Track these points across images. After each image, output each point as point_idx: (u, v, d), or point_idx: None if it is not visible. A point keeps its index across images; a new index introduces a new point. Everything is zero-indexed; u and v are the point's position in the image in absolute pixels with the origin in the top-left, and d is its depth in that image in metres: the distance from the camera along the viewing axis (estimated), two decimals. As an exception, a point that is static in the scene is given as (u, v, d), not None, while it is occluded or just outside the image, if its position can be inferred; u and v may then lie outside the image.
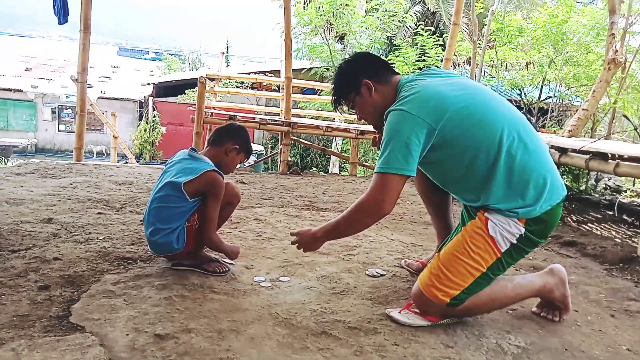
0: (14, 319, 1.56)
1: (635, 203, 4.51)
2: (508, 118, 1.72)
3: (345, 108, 1.97)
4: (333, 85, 1.96)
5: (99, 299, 1.75)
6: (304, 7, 12.96)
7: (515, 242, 1.66)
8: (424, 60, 11.65)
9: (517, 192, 1.64)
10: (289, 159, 6.50)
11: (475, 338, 1.64)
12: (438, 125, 1.64)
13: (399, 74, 1.92)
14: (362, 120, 2.02)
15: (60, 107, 19.72)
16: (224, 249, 2.11)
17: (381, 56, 2.03)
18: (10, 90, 18.96)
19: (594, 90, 5.44)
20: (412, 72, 11.39)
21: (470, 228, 1.69)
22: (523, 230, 1.66)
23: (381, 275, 2.22)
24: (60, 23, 6.35)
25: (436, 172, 1.86)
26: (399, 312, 1.73)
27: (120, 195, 3.64)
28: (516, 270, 2.40)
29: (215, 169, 2.05)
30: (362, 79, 1.85)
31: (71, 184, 3.88)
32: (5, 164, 8.42)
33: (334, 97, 1.95)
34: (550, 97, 10.80)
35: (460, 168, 1.70)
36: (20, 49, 25.02)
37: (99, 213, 3.01)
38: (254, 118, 6.64)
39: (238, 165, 2.31)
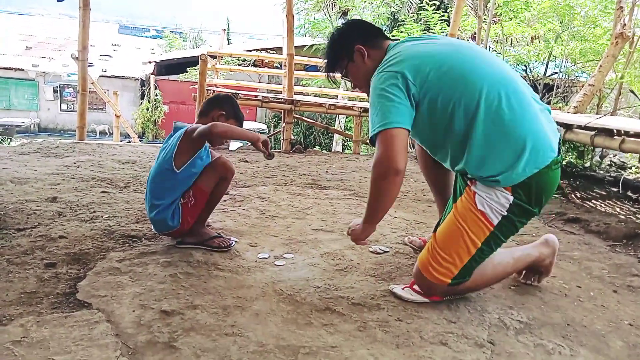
0: (22, 295, 1.58)
1: (639, 179, 4.49)
2: (493, 76, 1.64)
3: (338, 76, 1.94)
4: (326, 52, 1.92)
5: (104, 276, 1.77)
6: (306, -18, 12.73)
7: (505, 213, 1.61)
8: (428, 36, 11.47)
9: (495, 155, 1.58)
10: (292, 137, 6.47)
11: (478, 313, 1.66)
12: (417, 81, 1.62)
13: (390, 39, 1.88)
14: (356, 88, 1.96)
15: (61, 86, 19.64)
16: (242, 133, 2.04)
17: (385, 32, 1.98)
18: (11, 69, 18.86)
19: (601, 66, 5.36)
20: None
21: (460, 205, 1.67)
22: (512, 198, 1.59)
23: (384, 252, 2.23)
24: (59, 0, 6.27)
25: (422, 136, 1.81)
26: (402, 289, 1.75)
27: (124, 174, 3.65)
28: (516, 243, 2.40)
29: (193, 124, 2.06)
30: (354, 45, 1.82)
31: (75, 163, 3.89)
32: (9, 143, 8.43)
33: (326, 65, 1.92)
34: (556, 72, 10.66)
35: (440, 127, 1.65)
36: (19, 27, 24.79)
37: (103, 192, 3.02)
38: (256, 96, 6.59)
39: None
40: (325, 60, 1.92)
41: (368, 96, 1.91)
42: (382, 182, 1.63)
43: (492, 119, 1.58)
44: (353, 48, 1.82)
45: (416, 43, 1.78)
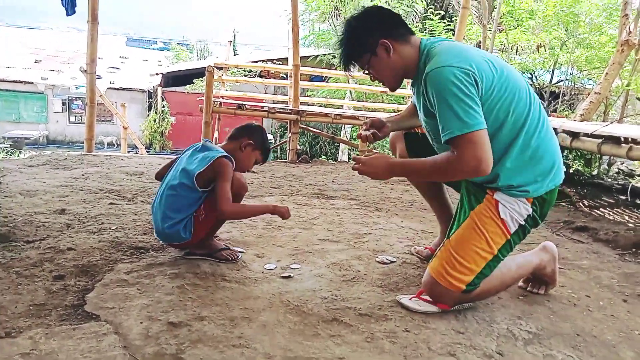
0: (31, 308, 1.59)
1: (648, 187, 4.45)
2: (532, 95, 1.72)
3: (355, 71, 1.87)
4: (342, 45, 1.76)
5: (112, 288, 1.78)
6: (311, -7, 12.84)
7: (523, 222, 1.68)
8: (433, 46, 11.52)
9: (529, 168, 1.65)
10: (298, 147, 6.49)
11: (486, 324, 1.64)
12: (483, 80, 1.57)
13: (414, 32, 1.78)
14: (376, 81, 1.85)
15: (70, 98, 19.85)
16: (256, 210, 2.11)
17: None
18: (20, 82, 19.10)
19: (607, 73, 5.35)
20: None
21: (480, 212, 1.68)
22: (530, 210, 1.67)
23: (391, 262, 2.22)
24: (68, 14, 6.36)
25: None
26: (410, 299, 1.74)
27: (132, 186, 3.67)
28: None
29: (226, 154, 2.05)
30: (379, 39, 1.68)
31: (83, 175, 3.92)
32: (18, 156, 8.51)
33: (344, 58, 1.77)
34: (562, 80, 10.65)
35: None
36: (29, 41, 25.15)
37: (111, 203, 3.04)
38: (263, 107, 6.63)
39: (255, 166, 2.29)
40: (343, 53, 1.76)
41: (391, 90, 1.86)
42: (464, 176, 1.63)
43: (534, 134, 1.65)
44: (377, 41, 1.69)
45: (460, 44, 1.75)
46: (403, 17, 1.95)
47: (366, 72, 1.81)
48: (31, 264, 1.94)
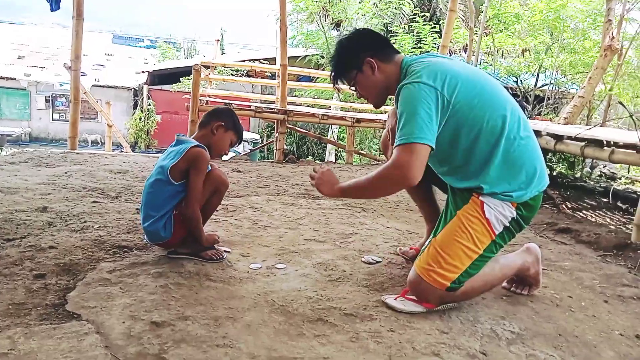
0: (10, 307, 1.56)
1: (629, 190, 4.54)
2: (509, 103, 1.76)
3: (344, 85, 1.93)
4: (333, 62, 1.90)
5: (94, 287, 1.75)
6: (299, -7, 12.83)
7: (507, 224, 1.72)
8: (420, 47, 11.60)
9: (512, 176, 1.70)
10: (285, 147, 6.48)
11: (470, 324, 1.65)
12: (452, 99, 1.65)
13: (399, 52, 1.90)
14: (361, 98, 1.97)
15: (54, 95, 19.54)
16: (200, 233, 2.07)
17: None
18: (3, 78, 18.75)
19: (590, 78, 5.44)
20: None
21: (466, 211, 1.71)
22: (515, 213, 1.72)
23: (377, 262, 2.23)
24: (52, 10, 6.25)
25: (438, 150, 1.80)
26: (395, 299, 1.75)
27: (116, 184, 3.63)
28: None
29: (198, 144, 2.05)
30: (365, 57, 1.81)
31: (66, 173, 3.86)
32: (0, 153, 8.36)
33: (333, 74, 1.90)
34: (547, 84, 10.79)
35: (463, 145, 1.71)
36: (12, 36, 24.69)
37: (94, 202, 3.00)
38: (250, 106, 6.60)
39: (232, 153, 2.29)
40: (333, 70, 1.90)
41: (375, 107, 1.98)
42: (392, 186, 1.70)
43: (512, 144, 1.69)
44: (363, 59, 1.81)
45: (443, 59, 1.79)
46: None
47: (352, 88, 1.92)
48: (11, 263, 1.91)
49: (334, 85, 1.93)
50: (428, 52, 11.10)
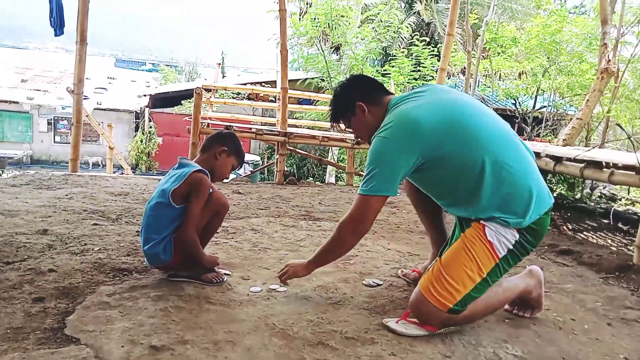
0: (8, 331, 1.55)
1: (630, 211, 4.53)
2: (491, 133, 1.76)
3: (342, 127, 2.07)
4: (331, 106, 2.06)
5: (94, 310, 1.74)
6: (300, 18, 13.06)
7: (511, 247, 1.71)
8: (419, 71, 11.73)
9: (505, 205, 1.70)
10: (285, 169, 6.50)
11: (473, 347, 1.64)
12: (418, 149, 1.72)
13: (392, 93, 2.01)
14: (358, 139, 2.13)
15: (56, 118, 19.68)
16: (200, 255, 2.06)
17: (375, 75, 2.18)
18: (6, 102, 18.92)
19: (588, 100, 5.49)
20: (408, 82, 11.46)
21: (469, 234, 1.72)
22: (517, 236, 1.72)
23: (378, 285, 2.21)
24: (56, 35, 6.37)
25: (426, 188, 1.97)
26: (396, 322, 1.73)
27: (116, 206, 3.63)
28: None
29: (201, 168, 2.06)
30: (356, 102, 1.94)
31: (67, 195, 3.87)
32: (1, 175, 8.38)
33: (331, 117, 2.07)
34: (545, 106, 10.88)
35: (446, 184, 1.80)
36: (16, 60, 25.01)
37: (95, 224, 3.00)
38: (251, 128, 6.65)
39: (232, 175, 2.31)
40: (330, 113, 2.07)
41: (369, 144, 2.04)
42: (347, 237, 1.86)
43: (499, 174, 1.70)
44: (354, 104, 1.95)
45: (416, 103, 1.83)
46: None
47: (348, 129, 2.08)
48: (10, 286, 1.90)
49: (332, 126, 2.10)
50: (424, 78, 11.25)
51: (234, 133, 2.33)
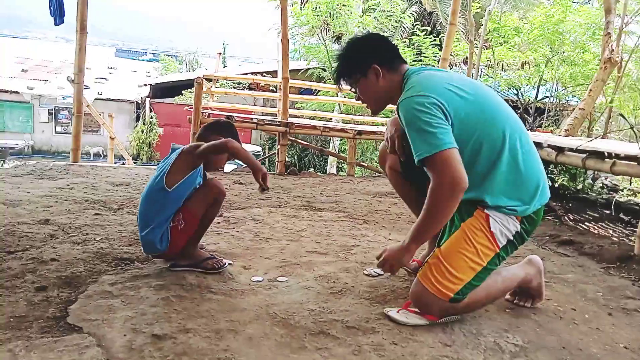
0: (11, 320, 1.56)
1: (632, 202, 4.53)
2: (510, 117, 1.77)
3: (346, 86, 1.93)
4: (339, 60, 1.89)
5: (96, 299, 1.75)
6: (301, 7, 12.95)
7: (511, 238, 1.72)
8: (420, 60, 11.67)
9: (516, 190, 1.70)
10: (287, 159, 6.49)
11: (473, 337, 1.64)
12: (450, 110, 1.65)
13: (406, 62, 1.90)
14: (360, 101, 1.95)
15: (56, 108, 19.67)
16: (252, 161, 2.03)
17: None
18: (6, 92, 18.89)
19: (591, 90, 5.46)
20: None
21: (470, 224, 1.70)
22: (519, 227, 1.72)
23: (379, 274, 2.22)
24: (56, 24, 6.34)
25: None
26: (397, 312, 1.73)
27: (118, 196, 3.63)
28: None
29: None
30: (371, 63, 1.80)
31: (68, 185, 3.87)
32: (2, 165, 8.39)
33: (336, 73, 1.90)
34: (547, 96, 10.83)
35: (465, 159, 1.69)
36: (16, 50, 24.92)
37: (96, 214, 3.00)
38: (251, 119, 6.64)
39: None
40: (338, 69, 1.90)
41: (373, 113, 2.00)
42: (451, 201, 1.61)
43: (515, 158, 1.69)
44: (369, 66, 1.81)
45: (441, 73, 1.81)
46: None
47: (353, 90, 1.92)
48: (13, 275, 1.91)
49: (337, 83, 1.93)
50: (428, 65, 11.19)
51: (231, 122, 2.31)
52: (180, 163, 2.00)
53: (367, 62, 1.81)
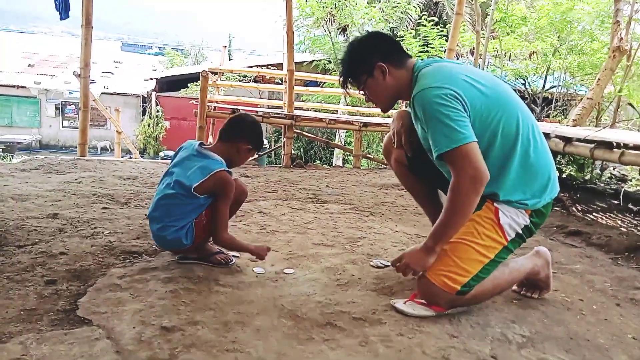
0: (22, 313, 1.58)
1: (640, 192, 4.49)
2: (523, 110, 1.75)
3: (353, 89, 1.91)
4: (343, 64, 1.88)
5: (105, 292, 1.76)
6: (305, -1, 12.89)
7: (520, 231, 1.72)
8: (427, 51, 11.59)
9: (528, 183, 1.70)
10: (293, 152, 6.50)
11: (480, 328, 1.64)
12: (468, 102, 1.63)
13: (411, 56, 1.88)
14: (369, 102, 1.92)
15: (63, 103, 19.77)
16: (245, 248, 2.07)
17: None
18: (13, 86, 19.00)
19: (599, 79, 5.40)
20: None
21: (479, 216, 1.70)
22: (528, 221, 1.72)
23: (385, 266, 2.22)
24: (62, 18, 6.35)
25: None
26: (404, 303, 1.74)
27: (125, 190, 3.65)
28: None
29: (225, 168, 2.02)
30: (376, 62, 1.78)
31: (76, 179, 3.90)
32: (10, 160, 8.46)
33: (342, 77, 1.88)
34: (555, 86, 10.72)
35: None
36: (23, 45, 25.05)
37: (104, 208, 3.03)
38: (257, 111, 6.64)
39: (250, 171, 2.29)
40: (343, 72, 1.88)
41: (383, 111, 1.97)
42: (474, 195, 1.59)
43: (527, 150, 1.69)
44: (374, 64, 1.79)
45: (454, 64, 1.79)
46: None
47: (361, 92, 1.90)
48: (22, 269, 1.93)
49: (343, 87, 1.91)
50: (435, 56, 11.11)
51: (257, 121, 2.21)
52: (210, 187, 1.97)
53: (372, 61, 1.79)
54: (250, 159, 2.27)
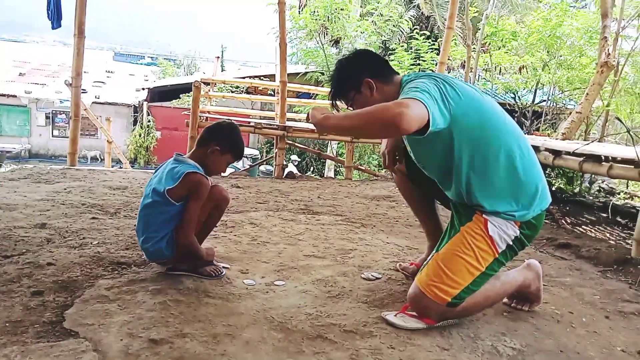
0: (7, 325, 1.55)
1: (628, 205, 4.54)
2: (508, 123, 1.77)
3: (342, 105, 1.93)
4: (332, 81, 1.91)
5: (92, 304, 1.74)
6: (299, 11, 13.00)
7: (511, 243, 1.72)
8: (418, 64, 11.71)
9: (514, 196, 1.70)
10: (284, 163, 6.49)
11: (471, 340, 1.64)
12: (452, 109, 1.62)
13: (398, 73, 1.90)
14: None
15: (54, 112, 19.63)
16: (199, 252, 2.05)
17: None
18: (3, 95, 18.85)
19: (587, 94, 5.48)
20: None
21: (469, 228, 1.71)
22: (518, 232, 1.72)
23: (377, 278, 2.22)
24: (53, 27, 6.34)
25: (437, 162, 1.81)
26: (395, 315, 1.73)
27: (115, 200, 3.62)
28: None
29: (196, 169, 2.01)
30: (363, 78, 1.81)
31: (65, 189, 3.86)
32: (-1, 169, 8.37)
33: (331, 93, 1.91)
34: (544, 100, 10.86)
35: (464, 160, 1.70)
36: (14, 54, 24.90)
37: (93, 218, 3.00)
38: (249, 122, 6.64)
39: (230, 169, 2.27)
40: (332, 89, 1.91)
41: None
42: (382, 120, 1.50)
43: (513, 163, 1.69)
44: (362, 80, 1.81)
45: (440, 75, 1.80)
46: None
47: (350, 108, 1.91)
48: (9, 280, 1.90)
49: (332, 104, 1.94)
50: (426, 69, 11.24)
51: (233, 125, 2.21)
52: (182, 190, 1.97)
53: (360, 77, 1.81)
54: (233, 166, 2.26)
